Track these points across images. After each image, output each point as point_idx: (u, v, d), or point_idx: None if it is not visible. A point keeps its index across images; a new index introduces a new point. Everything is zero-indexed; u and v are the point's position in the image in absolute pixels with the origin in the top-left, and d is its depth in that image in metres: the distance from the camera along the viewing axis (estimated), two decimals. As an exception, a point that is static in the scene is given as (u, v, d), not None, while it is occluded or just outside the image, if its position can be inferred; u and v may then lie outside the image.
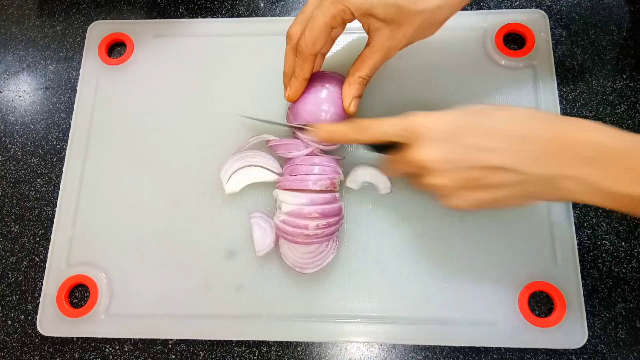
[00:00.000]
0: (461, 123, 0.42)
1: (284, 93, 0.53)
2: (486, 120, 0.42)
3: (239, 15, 0.65)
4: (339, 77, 0.54)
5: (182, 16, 0.66)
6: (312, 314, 0.52)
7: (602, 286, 0.53)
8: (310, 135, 0.50)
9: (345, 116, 0.53)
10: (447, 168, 0.42)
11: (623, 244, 0.54)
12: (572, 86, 0.59)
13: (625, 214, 0.54)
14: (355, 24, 0.50)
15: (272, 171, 0.54)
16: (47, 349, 0.54)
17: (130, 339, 0.53)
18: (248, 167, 0.55)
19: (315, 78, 0.53)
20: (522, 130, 0.40)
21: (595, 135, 0.39)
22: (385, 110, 0.58)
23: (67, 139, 0.60)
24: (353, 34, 0.59)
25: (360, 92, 0.51)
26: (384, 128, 0.45)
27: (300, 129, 0.52)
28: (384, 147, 0.48)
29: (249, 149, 0.56)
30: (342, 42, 0.61)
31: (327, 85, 0.52)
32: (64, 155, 0.59)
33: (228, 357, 0.52)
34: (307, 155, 0.53)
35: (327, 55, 0.55)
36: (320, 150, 0.54)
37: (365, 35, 0.49)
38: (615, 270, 0.53)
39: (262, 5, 0.66)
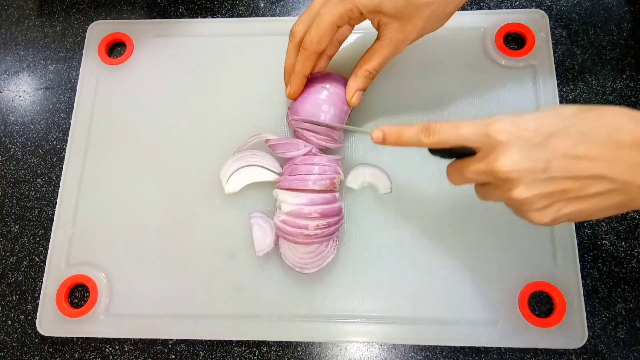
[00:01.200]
0: (551, 128, 0.37)
1: (285, 90, 0.53)
2: (579, 124, 0.37)
3: (239, 15, 0.65)
4: (339, 78, 0.54)
5: (182, 16, 0.66)
6: (312, 314, 0.52)
7: (602, 286, 0.53)
8: (375, 138, 0.45)
9: (345, 118, 0.53)
10: (534, 179, 0.37)
11: (623, 244, 0.54)
12: (572, 86, 0.59)
13: (625, 213, 0.54)
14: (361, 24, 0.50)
15: (271, 171, 0.54)
16: (47, 349, 0.54)
17: (130, 339, 0.53)
18: (248, 166, 0.55)
19: (316, 78, 0.53)
20: (619, 135, 0.36)
21: None
22: (385, 110, 0.58)
23: (67, 139, 0.60)
24: (353, 33, 0.59)
25: (366, 85, 0.51)
26: (462, 132, 0.40)
27: (362, 132, 0.51)
28: (454, 153, 0.43)
29: (248, 148, 0.56)
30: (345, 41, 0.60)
31: (327, 85, 0.52)
32: (64, 155, 0.59)
33: (228, 357, 0.52)
34: (306, 155, 0.53)
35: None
36: (320, 149, 0.54)
37: (366, 34, 0.49)
38: (615, 270, 0.53)
39: (262, 5, 0.66)
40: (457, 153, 0.43)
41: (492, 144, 0.38)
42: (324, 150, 0.55)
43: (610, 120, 0.37)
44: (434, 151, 0.45)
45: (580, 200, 0.37)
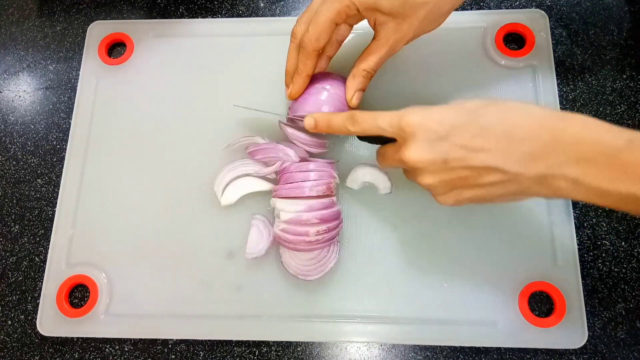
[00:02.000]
0: (454, 122, 0.41)
1: (286, 92, 0.53)
2: (478, 118, 0.41)
3: (239, 15, 0.65)
4: (339, 79, 0.54)
5: (182, 16, 0.66)
6: (312, 314, 0.52)
7: (602, 286, 0.53)
8: (307, 124, 0.49)
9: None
10: (436, 169, 0.42)
11: (623, 244, 0.54)
12: (572, 86, 0.59)
13: (625, 213, 0.55)
14: (359, 23, 0.50)
15: (266, 178, 0.54)
16: (47, 349, 0.54)
17: (130, 339, 0.53)
18: (242, 177, 0.55)
19: (316, 79, 0.53)
20: (514, 130, 0.39)
21: (588, 133, 0.38)
22: (384, 110, 0.58)
23: (67, 139, 0.60)
24: (352, 32, 0.59)
25: (364, 85, 0.51)
26: (378, 122, 0.45)
27: (295, 119, 0.52)
28: (378, 140, 0.48)
29: (239, 147, 0.56)
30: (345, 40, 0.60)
31: (327, 86, 0.52)
32: (64, 155, 0.59)
33: (228, 357, 0.52)
34: (300, 161, 0.52)
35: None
36: (310, 153, 0.54)
37: (364, 33, 0.49)
38: (615, 270, 0.53)
39: (262, 5, 0.66)
40: (382, 140, 0.47)
41: (403, 135, 0.43)
42: (318, 155, 0.55)
43: (508, 116, 0.40)
44: (361, 138, 0.50)
45: (477, 187, 0.41)
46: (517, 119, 0.40)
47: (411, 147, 0.42)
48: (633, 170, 0.36)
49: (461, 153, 0.40)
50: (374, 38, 0.50)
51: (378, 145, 0.49)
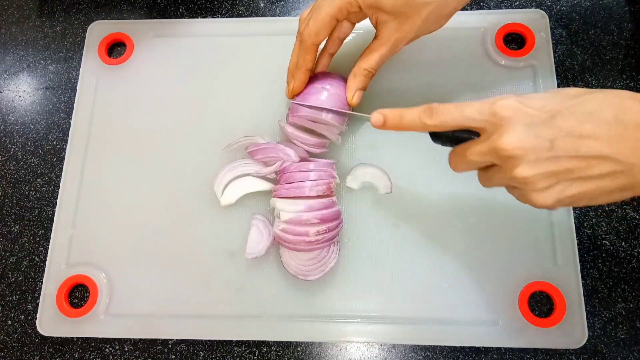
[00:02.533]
0: (557, 106, 0.36)
1: (286, 90, 0.53)
2: (585, 103, 0.36)
3: (239, 15, 0.65)
4: (339, 79, 0.54)
5: (182, 16, 0.66)
6: (312, 314, 0.52)
7: (602, 286, 0.53)
8: (375, 121, 0.44)
9: (346, 118, 0.53)
10: (538, 157, 0.36)
11: (623, 244, 0.54)
12: (572, 86, 0.59)
13: (625, 213, 0.54)
14: (361, 23, 0.50)
15: (266, 178, 0.54)
16: (47, 349, 0.54)
17: (130, 339, 0.53)
18: (241, 177, 0.55)
19: (317, 79, 0.53)
20: (626, 115, 0.35)
21: None
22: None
23: (67, 139, 0.60)
24: (353, 32, 0.59)
25: (365, 84, 0.51)
26: (466, 112, 0.39)
27: (355, 115, 0.51)
28: (456, 139, 0.42)
29: (239, 147, 0.56)
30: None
31: (327, 86, 0.52)
32: (64, 155, 0.59)
33: (228, 357, 0.52)
34: (300, 161, 0.52)
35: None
36: (310, 153, 0.54)
37: (365, 32, 0.49)
38: (615, 270, 0.53)
39: (262, 5, 0.66)
40: (459, 139, 0.41)
41: (497, 121, 0.37)
42: (318, 155, 0.55)
43: (616, 101, 0.36)
44: (436, 137, 0.43)
45: (584, 181, 0.36)
46: (626, 104, 0.36)
47: (508, 132, 0.37)
48: None
49: (568, 140, 0.35)
50: (375, 37, 0.50)
51: (448, 148, 0.44)
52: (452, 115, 0.40)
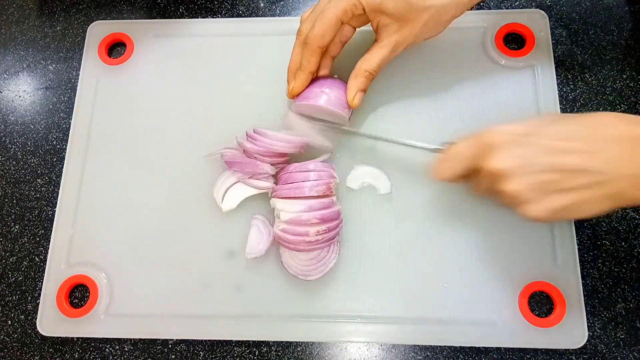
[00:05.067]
0: (536, 128, 0.41)
1: (287, 89, 0.53)
2: (562, 124, 0.40)
3: (239, 15, 0.65)
4: (339, 83, 0.54)
5: (182, 16, 0.66)
6: (312, 314, 0.52)
7: (602, 286, 0.53)
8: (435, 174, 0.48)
9: (348, 115, 0.54)
10: (523, 172, 0.40)
11: (623, 244, 0.54)
12: (572, 86, 0.59)
13: (625, 213, 0.55)
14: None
15: (265, 180, 0.54)
16: (47, 349, 0.54)
17: (130, 339, 0.53)
18: (240, 182, 0.54)
19: (315, 84, 0.53)
20: (602, 131, 0.38)
21: None
22: (385, 111, 0.58)
23: (67, 139, 0.60)
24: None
25: (366, 86, 0.52)
26: (460, 150, 0.45)
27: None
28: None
29: (221, 155, 0.55)
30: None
31: (326, 90, 0.52)
32: (64, 155, 0.59)
33: (228, 357, 0.52)
34: (300, 162, 0.52)
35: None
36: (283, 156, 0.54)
37: (365, 33, 0.50)
38: (615, 270, 0.53)
39: (262, 5, 0.66)
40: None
41: (486, 147, 0.42)
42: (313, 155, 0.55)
43: (596, 119, 0.40)
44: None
45: (569, 192, 0.39)
46: (605, 121, 0.39)
47: (495, 155, 0.41)
48: None
49: (548, 156, 0.39)
50: (376, 40, 0.51)
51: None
52: (454, 166, 0.46)
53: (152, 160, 0.58)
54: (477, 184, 0.46)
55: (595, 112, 0.40)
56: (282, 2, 0.66)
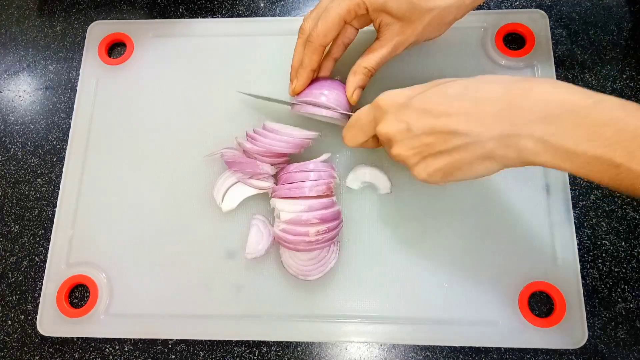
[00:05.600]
0: (419, 92, 0.42)
1: (290, 87, 0.54)
2: (441, 87, 0.42)
3: (239, 15, 0.65)
4: (339, 84, 0.54)
5: (182, 16, 0.66)
6: (312, 314, 0.52)
7: (602, 286, 0.53)
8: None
9: (344, 122, 0.53)
10: (404, 136, 0.42)
11: (623, 244, 0.54)
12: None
13: (625, 213, 0.54)
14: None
15: (265, 180, 0.54)
16: (47, 349, 0.54)
17: (130, 339, 0.53)
18: (240, 182, 0.54)
19: (315, 84, 0.53)
20: (477, 93, 0.39)
21: (554, 92, 0.37)
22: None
23: (67, 139, 0.60)
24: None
25: (364, 82, 0.52)
26: (360, 116, 0.47)
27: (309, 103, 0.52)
28: None
29: (220, 156, 0.55)
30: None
31: (326, 92, 0.52)
32: (64, 155, 0.59)
33: (228, 357, 0.52)
34: (300, 162, 0.52)
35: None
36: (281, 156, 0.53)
37: (366, 34, 0.50)
38: (615, 270, 0.53)
39: (262, 5, 0.66)
40: None
41: (378, 113, 0.45)
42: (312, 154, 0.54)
43: (472, 82, 0.41)
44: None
45: (445, 154, 0.41)
46: (480, 85, 0.40)
47: (382, 121, 0.44)
48: (601, 131, 0.35)
49: (423, 119, 0.41)
50: (377, 38, 0.51)
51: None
52: (357, 132, 0.48)
53: (152, 160, 0.58)
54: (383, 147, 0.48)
55: (479, 77, 0.41)
56: (282, 2, 0.66)
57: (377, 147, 0.50)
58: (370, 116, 0.46)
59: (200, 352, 0.53)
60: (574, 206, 0.55)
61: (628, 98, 0.58)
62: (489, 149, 0.39)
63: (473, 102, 0.39)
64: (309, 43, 0.50)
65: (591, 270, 0.53)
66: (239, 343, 0.53)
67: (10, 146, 0.62)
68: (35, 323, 0.53)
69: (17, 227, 0.58)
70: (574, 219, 0.54)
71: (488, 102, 0.39)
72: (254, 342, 0.53)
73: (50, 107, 0.63)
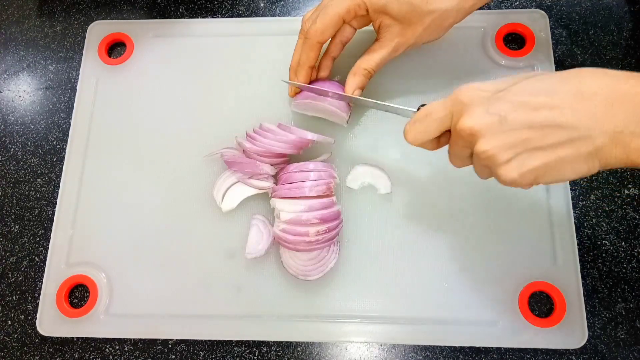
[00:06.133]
0: (509, 85, 0.38)
1: (289, 87, 0.53)
2: (535, 80, 0.38)
3: (239, 15, 0.65)
4: (337, 86, 0.54)
5: (182, 16, 0.66)
6: (312, 314, 0.52)
7: (602, 286, 0.53)
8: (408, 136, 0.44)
9: (349, 110, 0.54)
10: (495, 130, 0.37)
11: (623, 244, 0.54)
12: (572, 86, 0.59)
13: (625, 213, 0.54)
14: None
15: (265, 180, 0.54)
16: (47, 349, 0.54)
17: (130, 339, 0.53)
18: (240, 182, 0.54)
19: (315, 85, 0.53)
20: (581, 87, 0.36)
21: None
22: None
23: (67, 139, 0.60)
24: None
25: (364, 83, 0.52)
26: (434, 115, 0.41)
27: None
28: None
29: (220, 156, 0.55)
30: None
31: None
32: (64, 155, 0.59)
33: (228, 357, 0.52)
34: (300, 162, 0.52)
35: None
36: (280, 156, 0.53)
37: (366, 34, 0.50)
38: (615, 270, 0.53)
39: (262, 5, 0.66)
40: None
41: (458, 108, 0.40)
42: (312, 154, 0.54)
43: (573, 74, 0.37)
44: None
45: (543, 150, 0.36)
46: (582, 77, 0.36)
47: (465, 114, 0.39)
48: None
49: (521, 112, 0.36)
50: (376, 39, 0.51)
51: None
52: (426, 127, 0.42)
53: (152, 160, 0.58)
54: (452, 148, 0.43)
55: (570, 69, 0.37)
56: (282, 2, 0.66)
57: (435, 149, 0.45)
58: (445, 111, 0.41)
59: (200, 352, 0.53)
60: (574, 206, 0.55)
61: (628, 98, 0.58)
62: (598, 145, 0.35)
63: (578, 95, 0.35)
64: (306, 40, 0.50)
65: (591, 270, 0.53)
66: (239, 343, 0.53)
67: (10, 146, 0.62)
68: (35, 323, 0.53)
69: (17, 227, 0.58)
70: (574, 219, 0.54)
71: (595, 95, 0.35)
72: (254, 342, 0.53)
73: (50, 107, 0.63)
